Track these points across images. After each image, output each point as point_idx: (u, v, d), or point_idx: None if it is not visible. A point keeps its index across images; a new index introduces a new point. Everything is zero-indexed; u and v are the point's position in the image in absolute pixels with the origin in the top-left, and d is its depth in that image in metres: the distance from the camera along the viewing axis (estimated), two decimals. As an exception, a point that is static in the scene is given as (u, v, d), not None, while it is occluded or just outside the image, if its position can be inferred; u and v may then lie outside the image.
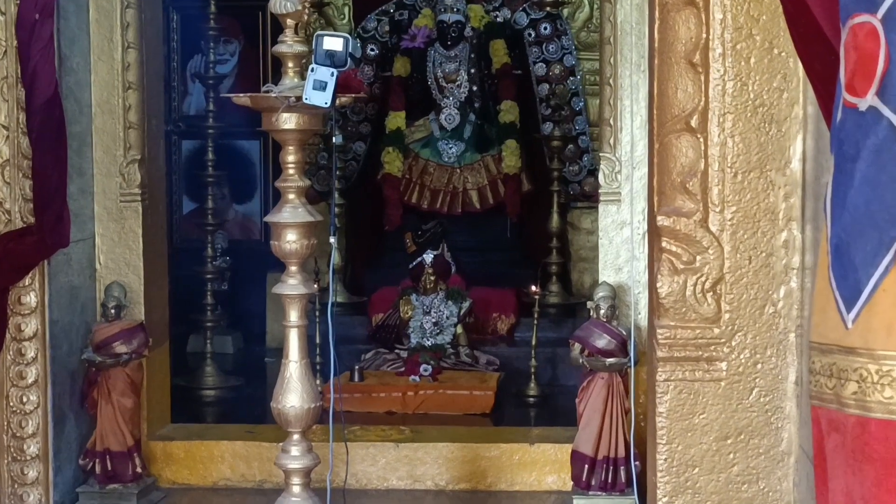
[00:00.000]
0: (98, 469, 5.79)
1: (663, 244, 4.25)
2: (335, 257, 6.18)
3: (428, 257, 7.91)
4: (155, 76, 6.36)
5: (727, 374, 4.28)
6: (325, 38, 4.11)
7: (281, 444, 4.53)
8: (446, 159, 8.94)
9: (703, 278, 4.24)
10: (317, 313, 6.27)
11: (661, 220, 4.24)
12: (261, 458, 6.08)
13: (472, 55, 9.12)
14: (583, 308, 7.01)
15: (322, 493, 4.55)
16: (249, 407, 7.30)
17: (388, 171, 8.82)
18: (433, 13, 9.12)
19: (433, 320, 7.72)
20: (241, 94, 4.35)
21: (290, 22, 4.25)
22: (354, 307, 8.64)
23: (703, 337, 4.27)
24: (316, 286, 4.71)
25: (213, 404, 7.70)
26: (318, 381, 5.52)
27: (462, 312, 7.81)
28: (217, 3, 8.05)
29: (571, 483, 5.73)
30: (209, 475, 6.17)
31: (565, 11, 9.42)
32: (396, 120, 8.98)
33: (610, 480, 5.60)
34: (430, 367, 7.33)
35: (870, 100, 2.42)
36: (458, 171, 8.93)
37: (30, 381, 5.50)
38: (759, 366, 4.27)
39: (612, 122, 6.09)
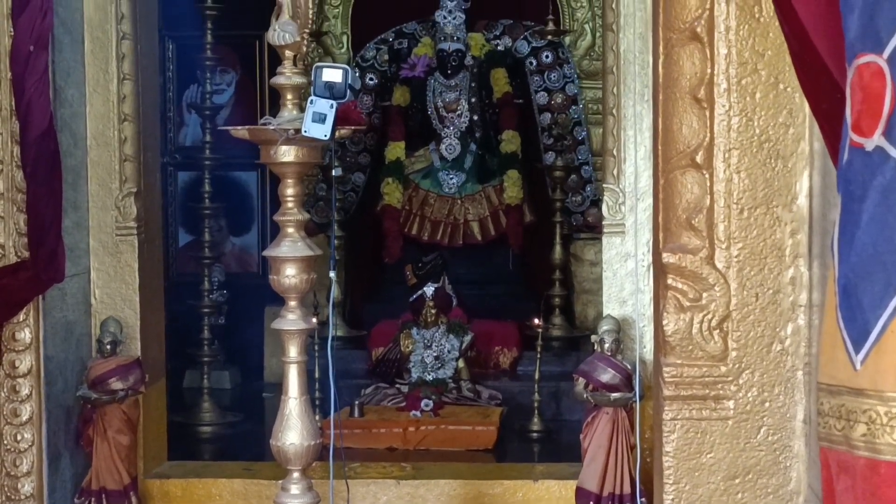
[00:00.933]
0: (94, 508, 5.74)
1: (669, 281, 4.21)
2: (334, 290, 6.11)
3: (429, 290, 7.85)
4: (151, 108, 6.32)
5: (735, 413, 4.24)
6: (325, 70, 4.05)
7: (280, 481, 4.46)
8: (447, 190, 8.89)
9: (709, 316, 4.20)
10: (316, 347, 6.22)
11: (667, 258, 4.20)
12: (260, 496, 6.02)
13: (473, 84, 9.08)
14: (587, 341, 6.95)
15: (323, 532, 4.48)
16: (248, 444, 7.22)
17: (388, 202, 8.78)
18: (433, 42, 9.09)
19: (434, 354, 7.65)
20: (240, 127, 4.29)
21: (288, 53, 4.20)
22: (354, 341, 8.56)
23: (710, 375, 4.23)
24: (315, 319, 4.65)
25: (210, 441, 7.61)
26: (317, 417, 5.46)
27: (463, 346, 7.76)
28: (213, 33, 8.01)
29: (576, 521, 5.65)
30: (207, 514, 6.11)
31: (567, 39, 9.39)
32: (396, 150, 8.93)
33: (615, 518, 5.54)
34: (431, 402, 7.27)
35: (877, 140, 2.42)
36: (459, 201, 8.88)
37: (24, 418, 5.45)
38: (766, 404, 4.23)
39: (615, 152, 6.05)
